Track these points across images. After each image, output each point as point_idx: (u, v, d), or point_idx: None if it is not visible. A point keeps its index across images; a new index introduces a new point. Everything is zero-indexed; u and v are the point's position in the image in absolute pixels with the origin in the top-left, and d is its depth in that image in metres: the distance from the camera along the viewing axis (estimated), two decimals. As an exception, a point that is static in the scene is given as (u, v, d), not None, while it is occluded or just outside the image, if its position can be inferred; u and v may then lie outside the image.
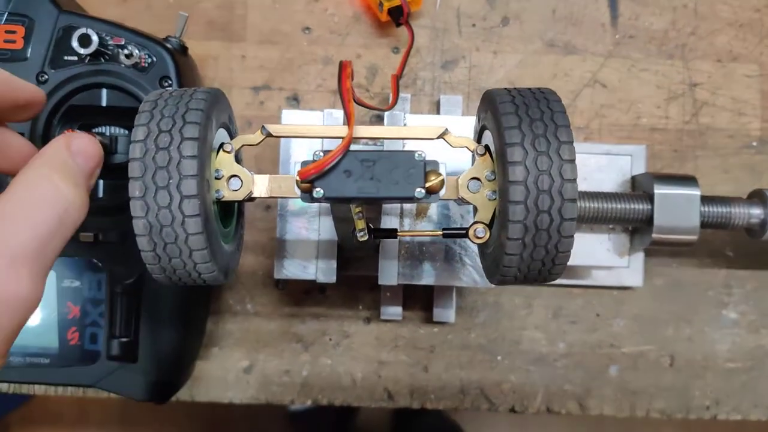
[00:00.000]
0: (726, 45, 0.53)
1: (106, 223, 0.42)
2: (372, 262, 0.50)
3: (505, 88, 0.28)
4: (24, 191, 0.26)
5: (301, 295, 0.52)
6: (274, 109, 0.52)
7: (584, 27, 0.53)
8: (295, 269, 0.43)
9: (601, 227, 0.47)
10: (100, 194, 0.42)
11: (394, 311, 0.50)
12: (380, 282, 0.43)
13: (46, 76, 0.41)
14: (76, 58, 0.41)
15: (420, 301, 0.51)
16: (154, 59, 0.41)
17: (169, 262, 0.28)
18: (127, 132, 0.42)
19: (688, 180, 0.44)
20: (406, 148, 0.29)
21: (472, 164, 0.30)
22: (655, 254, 0.51)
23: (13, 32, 0.41)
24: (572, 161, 0.26)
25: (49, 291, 0.43)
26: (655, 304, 0.52)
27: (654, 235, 0.43)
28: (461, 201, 0.30)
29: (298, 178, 0.27)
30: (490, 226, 0.30)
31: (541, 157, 0.26)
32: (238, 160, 0.31)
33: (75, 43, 0.40)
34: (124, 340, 0.42)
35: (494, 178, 0.29)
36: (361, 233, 0.29)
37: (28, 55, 0.41)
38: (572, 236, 0.28)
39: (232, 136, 0.33)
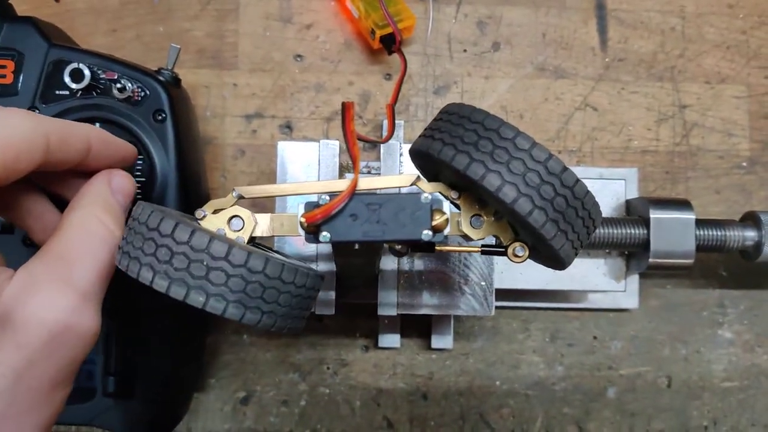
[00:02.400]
0: (714, 67, 0.53)
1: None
2: (370, 289, 0.49)
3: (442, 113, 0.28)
4: (79, 231, 0.28)
5: (297, 324, 0.51)
6: (267, 137, 0.52)
7: (574, 51, 0.53)
8: (293, 301, 0.42)
9: (597, 252, 0.47)
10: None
11: (392, 339, 0.50)
12: (380, 312, 0.42)
13: (38, 111, 0.40)
14: (67, 92, 0.40)
15: (418, 327, 0.51)
16: (148, 92, 0.41)
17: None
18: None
19: (683, 204, 0.44)
20: (409, 190, 0.28)
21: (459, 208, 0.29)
22: (649, 275, 0.51)
23: (3, 67, 0.40)
24: (534, 145, 0.25)
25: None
26: (651, 325, 0.52)
27: (651, 260, 0.43)
28: (466, 238, 0.30)
29: (303, 220, 0.27)
30: (515, 239, 0.29)
31: (513, 162, 0.25)
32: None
33: (67, 78, 0.39)
34: (120, 375, 0.41)
35: (487, 206, 0.29)
36: (397, 247, 0.29)
37: (19, 89, 0.40)
38: (586, 188, 0.27)
39: None
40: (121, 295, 0.40)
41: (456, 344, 0.51)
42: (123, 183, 0.31)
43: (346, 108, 0.27)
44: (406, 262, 0.43)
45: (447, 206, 0.28)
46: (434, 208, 0.27)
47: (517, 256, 0.29)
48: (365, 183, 0.27)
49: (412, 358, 0.51)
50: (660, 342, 0.52)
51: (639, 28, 0.54)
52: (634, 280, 0.50)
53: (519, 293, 0.49)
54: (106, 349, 0.41)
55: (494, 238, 0.30)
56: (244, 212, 0.29)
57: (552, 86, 0.53)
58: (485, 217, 0.29)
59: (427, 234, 0.25)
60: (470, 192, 0.29)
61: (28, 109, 0.40)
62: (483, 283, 0.43)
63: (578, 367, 0.52)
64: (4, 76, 0.40)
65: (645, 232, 0.43)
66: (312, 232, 0.27)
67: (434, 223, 0.27)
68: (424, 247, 0.30)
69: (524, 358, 0.52)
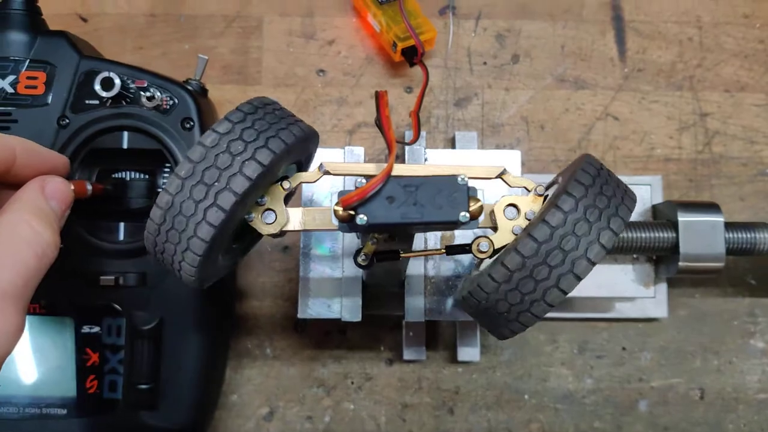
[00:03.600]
0: (733, 75, 0.54)
1: (126, 267, 0.41)
2: (394, 300, 0.49)
3: (600, 164, 0.28)
4: (5, 234, 0.28)
5: (322, 337, 0.51)
6: (290, 150, 0.52)
7: (593, 62, 0.54)
8: (319, 308, 0.42)
9: (624, 257, 0.46)
10: (121, 237, 0.41)
11: (417, 352, 0.49)
12: (407, 319, 0.42)
13: (67, 120, 0.41)
14: (97, 101, 0.41)
15: (443, 340, 0.50)
16: (176, 101, 0.41)
17: (165, 243, 0.27)
18: (146, 176, 0.42)
19: (711, 207, 0.44)
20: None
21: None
22: (677, 284, 0.50)
23: (35, 78, 0.41)
24: (605, 248, 0.26)
25: (67, 338, 0.41)
26: (680, 335, 0.51)
27: (681, 264, 0.43)
28: (493, 229, 0.29)
29: (337, 208, 0.26)
30: (497, 251, 0.29)
31: (582, 223, 0.26)
32: (289, 195, 0.31)
33: (97, 87, 0.40)
34: (144, 386, 0.41)
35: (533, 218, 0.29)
36: (363, 257, 0.29)
37: (49, 100, 0.41)
38: (551, 307, 0.28)
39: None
40: (146, 306, 0.40)
41: (482, 357, 0.50)
42: (57, 188, 0.32)
43: (380, 96, 0.27)
44: (432, 268, 0.42)
45: (481, 195, 0.28)
46: (470, 195, 0.27)
47: (481, 251, 0.28)
48: (446, 170, 0.26)
49: (438, 372, 0.50)
50: (691, 353, 0.51)
51: (657, 39, 0.54)
52: (662, 288, 0.49)
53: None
54: (131, 359, 0.41)
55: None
56: (279, 207, 0.29)
57: (572, 97, 0.53)
58: (521, 215, 0.29)
59: (464, 216, 0.25)
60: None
61: (58, 119, 0.41)
62: (511, 288, 0.42)
63: (608, 379, 0.50)
64: (35, 87, 0.41)
65: (674, 235, 0.43)
66: (347, 220, 0.27)
67: (470, 209, 0.27)
68: (389, 255, 0.30)
69: (552, 371, 0.51)
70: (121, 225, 0.41)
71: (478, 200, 0.27)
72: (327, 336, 0.51)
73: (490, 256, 0.29)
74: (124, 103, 0.41)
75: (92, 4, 0.53)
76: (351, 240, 0.42)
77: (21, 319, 0.27)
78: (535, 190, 0.29)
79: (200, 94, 0.43)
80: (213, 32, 0.53)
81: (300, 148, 0.29)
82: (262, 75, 0.53)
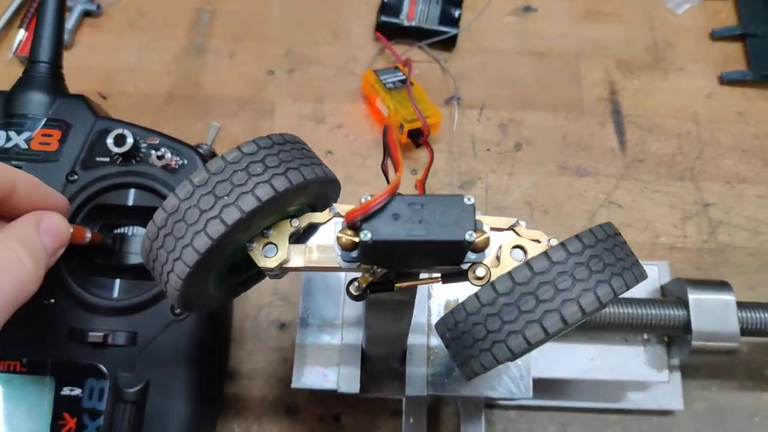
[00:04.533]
0: (732, 168, 0.55)
1: (116, 324, 0.39)
2: (393, 381, 0.46)
3: (616, 231, 0.28)
4: None
5: (315, 423, 0.48)
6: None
7: (594, 151, 0.55)
8: (315, 378, 0.40)
9: (635, 339, 0.45)
10: (115, 294, 0.40)
11: (417, 439, 0.46)
12: (407, 393, 0.39)
13: (76, 176, 0.41)
14: (107, 159, 0.42)
15: (446, 430, 0.47)
16: (185, 161, 0.42)
17: (159, 249, 0.26)
18: (148, 233, 0.42)
19: (722, 285, 0.43)
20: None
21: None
22: (691, 375, 0.48)
23: (50, 135, 0.42)
24: (599, 301, 0.24)
25: (44, 401, 0.39)
26: (699, 432, 0.48)
27: (694, 343, 0.41)
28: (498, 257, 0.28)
29: (340, 234, 0.26)
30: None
31: (583, 268, 0.25)
32: (296, 235, 0.30)
33: (110, 142, 0.41)
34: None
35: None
36: (356, 286, 0.27)
37: (61, 156, 0.42)
38: (528, 346, 0.26)
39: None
40: (133, 367, 0.38)
41: (487, 449, 0.47)
42: (53, 224, 0.31)
43: (387, 130, 0.28)
44: (435, 338, 0.40)
45: (487, 228, 0.27)
46: (477, 227, 0.26)
47: (477, 277, 0.27)
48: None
49: (440, 464, 0.47)
50: (711, 451, 0.47)
51: (655, 132, 0.56)
52: (677, 378, 0.47)
53: (555, 386, 0.46)
54: (110, 426, 0.38)
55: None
56: (283, 243, 0.29)
57: (575, 184, 0.54)
58: (526, 254, 0.28)
59: (470, 235, 0.24)
60: None
61: (67, 174, 0.41)
62: (519, 363, 0.40)
63: (623, 478, 0.47)
64: (48, 144, 0.42)
65: (685, 313, 0.42)
66: (349, 247, 0.26)
67: (477, 239, 0.26)
68: (383, 286, 0.29)
69: (563, 467, 0.47)
70: (117, 282, 0.40)
71: (485, 232, 0.27)
72: (320, 422, 0.48)
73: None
74: (134, 161, 0.42)
75: (114, 84, 0.56)
76: (353, 305, 0.41)
77: None
78: (548, 242, 0.29)
79: (210, 157, 0.44)
80: (227, 112, 0.55)
81: (318, 191, 0.29)
82: (271, 153, 0.54)
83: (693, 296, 0.42)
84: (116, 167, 0.42)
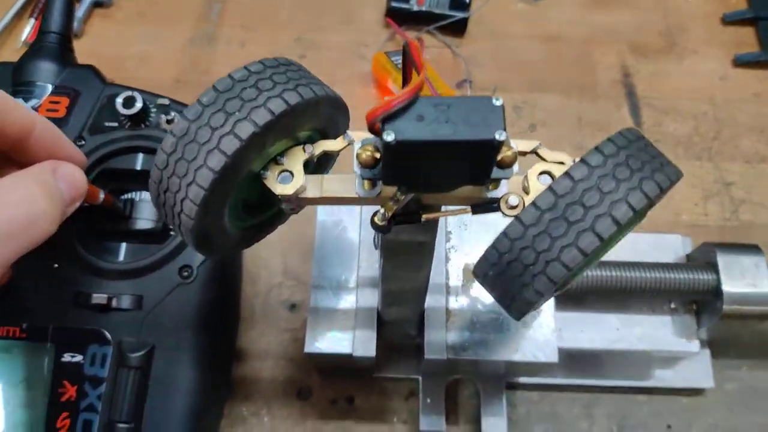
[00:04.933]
0: (751, 148, 0.54)
1: (122, 288, 0.38)
2: (408, 362, 0.45)
3: (640, 134, 0.26)
4: (3, 190, 0.27)
5: (327, 406, 0.45)
6: (304, 207, 0.51)
7: (612, 131, 0.54)
8: (329, 342, 0.38)
9: (662, 308, 0.43)
10: (121, 257, 0.39)
11: (436, 421, 0.43)
12: (426, 355, 0.37)
13: (84, 141, 0.40)
14: (116, 124, 0.41)
15: (464, 412, 0.45)
16: (195, 125, 0.41)
17: (170, 177, 0.24)
18: (156, 198, 0.40)
19: (751, 248, 0.41)
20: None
21: None
22: (721, 354, 0.46)
23: (57, 102, 0.41)
24: (633, 211, 0.22)
25: (43, 368, 0.37)
26: (732, 413, 0.45)
27: (725, 307, 0.39)
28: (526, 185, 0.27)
29: (360, 151, 0.25)
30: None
31: (591, 193, 0.23)
32: (310, 164, 0.29)
33: (119, 102, 0.40)
34: (124, 425, 0.35)
35: None
36: (381, 215, 0.26)
37: (69, 123, 0.41)
38: (585, 258, 0.24)
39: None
40: (138, 331, 0.37)
41: (509, 433, 0.44)
42: (70, 174, 0.30)
43: (409, 43, 0.27)
44: (455, 300, 0.39)
45: (514, 146, 0.26)
46: (503, 141, 0.25)
47: (510, 206, 0.26)
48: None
49: (459, 448, 0.44)
50: (746, 434, 0.45)
51: (671, 113, 0.55)
52: (706, 355, 0.45)
53: (579, 361, 0.44)
54: (113, 393, 0.36)
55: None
56: (298, 169, 0.27)
57: (591, 163, 0.53)
58: (554, 179, 0.27)
59: (500, 134, 0.23)
60: None
61: (74, 139, 0.40)
62: (543, 326, 0.38)
63: (654, 463, 0.44)
64: (56, 111, 0.41)
65: (714, 276, 0.40)
66: (371, 164, 0.25)
67: (501, 156, 0.25)
68: (410, 217, 0.27)
69: (589, 451, 0.44)
70: (123, 245, 0.39)
71: (512, 147, 0.25)
72: (333, 405, 0.46)
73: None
74: (143, 126, 0.41)
75: (123, 71, 0.56)
76: (368, 266, 0.39)
77: None
78: (574, 162, 0.28)
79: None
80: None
81: (328, 113, 0.28)
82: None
83: (722, 258, 0.40)
84: (125, 131, 0.41)
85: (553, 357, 0.37)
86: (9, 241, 0.26)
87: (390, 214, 0.26)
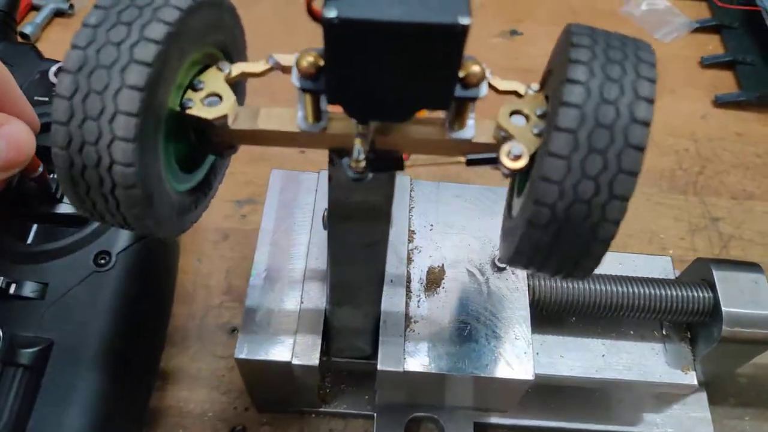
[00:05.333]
0: (737, 184, 0.51)
1: (25, 273, 0.32)
2: (360, 393, 0.39)
3: (589, 27, 0.24)
4: None
5: (264, 445, 0.38)
6: (257, 222, 0.46)
7: (589, 162, 0.51)
8: (264, 347, 0.32)
9: (653, 334, 0.37)
10: (30, 239, 0.33)
11: (390, 461, 0.37)
12: (380, 366, 0.31)
13: (6, 115, 0.36)
14: (47, 98, 0.37)
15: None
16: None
17: (82, 123, 0.19)
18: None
19: (750, 265, 0.37)
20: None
21: None
22: (720, 402, 0.40)
23: (-15, 74, 0.37)
24: (650, 101, 0.20)
25: None
26: (735, 469, 0.39)
27: (725, 328, 0.34)
28: (503, 132, 0.23)
29: (301, 59, 0.21)
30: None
31: (611, 84, 0.20)
32: (234, 87, 0.24)
33: (52, 72, 0.36)
34: (4, 434, 0.29)
35: (544, 114, 0.23)
36: (357, 150, 0.22)
37: (-5, 96, 0.36)
38: (627, 200, 0.21)
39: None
40: (36, 324, 0.31)
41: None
42: (16, 132, 0.26)
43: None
44: (416, 306, 0.33)
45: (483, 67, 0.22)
46: (467, 59, 0.21)
47: (513, 156, 0.22)
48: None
49: (417, 499, 0.37)
50: (753, 493, 0.38)
51: (651, 148, 0.52)
52: (703, 399, 0.39)
53: (556, 396, 0.38)
54: (-5, 397, 0.29)
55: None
56: (224, 90, 0.23)
57: (570, 192, 0.49)
58: (531, 119, 0.23)
59: (464, 20, 0.19)
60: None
61: (-3, 113, 0.36)
62: (518, 338, 0.33)
63: None
64: (-18, 84, 0.37)
65: (710, 294, 0.35)
66: (310, 74, 0.21)
67: (466, 72, 0.21)
68: (391, 164, 0.23)
69: (572, 508, 0.37)
70: (34, 227, 0.34)
71: (479, 64, 0.22)
72: (272, 445, 0.39)
73: (524, 170, 0.22)
74: (76, 101, 0.37)
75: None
76: (319, 253, 0.34)
77: None
78: (529, 88, 0.24)
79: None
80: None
81: (231, 24, 0.24)
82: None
83: (719, 274, 0.35)
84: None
85: (529, 373, 0.32)
86: None
87: (365, 151, 0.22)
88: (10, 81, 0.27)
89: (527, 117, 0.23)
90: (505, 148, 0.22)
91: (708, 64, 0.57)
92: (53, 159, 0.20)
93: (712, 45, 0.59)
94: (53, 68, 0.36)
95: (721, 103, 0.55)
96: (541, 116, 0.23)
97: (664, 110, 0.55)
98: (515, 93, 0.24)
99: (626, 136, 0.20)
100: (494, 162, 0.23)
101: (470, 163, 0.23)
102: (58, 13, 0.56)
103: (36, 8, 0.55)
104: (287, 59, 0.23)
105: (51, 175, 0.34)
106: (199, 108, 0.23)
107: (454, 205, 0.37)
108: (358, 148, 0.22)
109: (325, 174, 0.37)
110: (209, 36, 0.23)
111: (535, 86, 0.24)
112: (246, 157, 0.48)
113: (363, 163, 0.22)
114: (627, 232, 0.48)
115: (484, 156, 0.23)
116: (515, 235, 0.22)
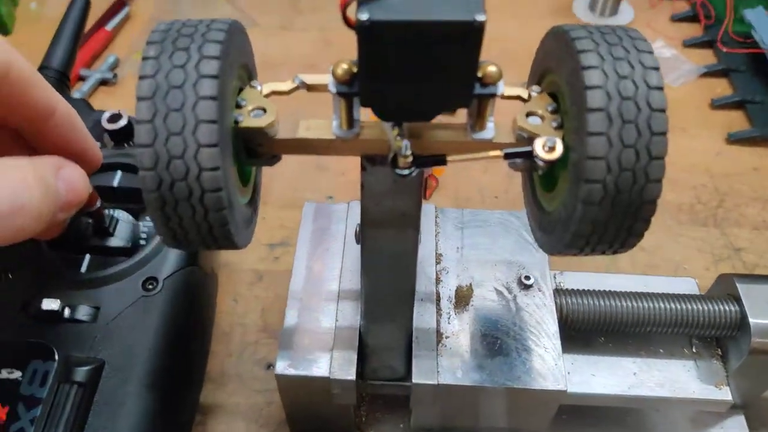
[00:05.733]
0: (757, 216, 0.52)
1: (79, 298, 0.34)
2: (396, 416, 0.39)
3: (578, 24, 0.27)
4: None
5: (301, 476, 0.39)
6: (289, 263, 0.48)
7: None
8: (303, 364, 0.33)
9: (683, 352, 0.38)
10: (83, 268, 0.36)
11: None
12: (415, 380, 0.32)
13: (63, 160, 0.39)
14: (100, 144, 0.40)
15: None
16: (179, 147, 0.40)
17: (167, 138, 0.22)
18: (130, 217, 0.38)
19: (773, 279, 0.37)
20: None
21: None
22: (759, 427, 0.40)
23: (44, 126, 0.41)
24: (657, 69, 0.23)
25: (-26, 386, 0.32)
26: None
27: (754, 339, 0.35)
28: (524, 133, 0.25)
29: (335, 68, 0.23)
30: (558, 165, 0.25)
31: (620, 62, 0.23)
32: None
33: (105, 119, 0.39)
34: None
35: (557, 110, 0.25)
36: (406, 150, 0.24)
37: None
38: (663, 158, 0.23)
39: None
40: (89, 346, 0.33)
41: None
42: (72, 176, 0.27)
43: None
44: (446, 322, 0.35)
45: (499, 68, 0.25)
46: (483, 62, 0.24)
47: (548, 149, 0.24)
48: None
49: None
50: None
51: (669, 184, 0.53)
52: (741, 424, 0.39)
53: (591, 417, 0.38)
54: (50, 413, 0.31)
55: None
56: (266, 103, 0.26)
57: (592, 227, 0.51)
58: (545, 116, 0.25)
59: (480, 15, 0.22)
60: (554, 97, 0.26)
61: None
62: (548, 350, 0.34)
63: None
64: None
65: (736, 308, 0.36)
66: (345, 79, 0.23)
67: (484, 73, 0.24)
68: (432, 160, 0.25)
69: None
70: (87, 258, 0.36)
71: (496, 65, 0.24)
72: (308, 477, 0.39)
73: (560, 159, 0.24)
74: (125, 146, 0.40)
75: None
76: (351, 275, 0.36)
77: None
78: (531, 90, 0.26)
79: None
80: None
81: (248, 49, 0.27)
82: (270, 197, 0.52)
83: (744, 287, 0.36)
84: (108, 151, 0.40)
85: (561, 384, 0.32)
86: None
87: (409, 150, 0.24)
88: (78, 120, 0.30)
89: (542, 117, 0.26)
90: (540, 141, 0.24)
91: (718, 105, 0.59)
92: (141, 182, 0.22)
93: (721, 87, 0.61)
94: (105, 115, 0.40)
95: (734, 140, 0.56)
96: (553, 112, 0.25)
97: (680, 149, 0.56)
98: (519, 97, 0.27)
99: (649, 103, 0.22)
100: (529, 155, 0.24)
101: (507, 156, 0.25)
102: (103, 82, 0.61)
103: (83, 78, 0.60)
104: (311, 78, 0.26)
105: (105, 210, 0.37)
106: (249, 120, 0.25)
107: (478, 229, 0.39)
108: (406, 143, 0.24)
109: (354, 204, 0.40)
110: (240, 58, 0.26)
111: (537, 88, 0.27)
112: (278, 203, 0.52)
113: (410, 158, 0.24)
114: (652, 262, 0.49)
115: (520, 150, 0.25)
116: (568, 220, 0.23)
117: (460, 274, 0.37)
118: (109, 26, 0.65)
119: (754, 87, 0.59)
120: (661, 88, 0.22)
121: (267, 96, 0.27)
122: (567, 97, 0.24)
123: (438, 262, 0.37)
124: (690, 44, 0.65)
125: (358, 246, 0.31)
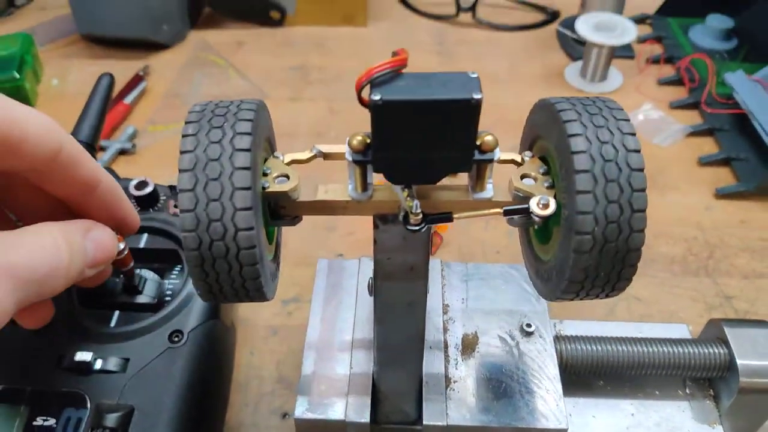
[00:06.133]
0: (747, 265, 0.54)
1: (109, 351, 0.37)
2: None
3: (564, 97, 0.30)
4: (32, 235, 0.26)
5: None
6: (303, 318, 0.51)
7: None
8: (320, 408, 0.35)
9: (677, 393, 0.40)
10: (113, 323, 0.38)
11: None
12: (425, 421, 0.34)
13: (95, 223, 0.42)
14: (128, 208, 0.43)
15: None
16: (202, 210, 0.43)
17: (207, 205, 0.25)
18: (156, 276, 0.41)
19: (759, 322, 0.40)
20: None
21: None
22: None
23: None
24: (633, 134, 0.26)
25: (11, 434, 0.34)
26: None
27: (742, 380, 0.37)
28: (519, 192, 0.28)
29: (351, 139, 0.27)
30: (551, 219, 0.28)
31: (601, 129, 0.26)
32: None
33: (132, 186, 0.43)
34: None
35: (547, 172, 0.29)
36: (414, 205, 0.27)
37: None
38: (644, 211, 0.26)
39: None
40: (119, 394, 0.35)
41: None
42: (100, 237, 0.29)
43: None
44: (454, 368, 0.37)
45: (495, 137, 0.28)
46: (482, 132, 0.27)
47: (542, 206, 0.27)
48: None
49: None
50: None
51: (661, 237, 0.57)
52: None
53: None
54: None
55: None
56: (288, 170, 0.29)
57: (589, 279, 0.53)
58: (537, 178, 0.29)
59: (477, 94, 0.25)
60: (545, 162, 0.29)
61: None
62: (550, 392, 0.36)
63: None
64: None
65: (725, 350, 0.38)
66: (359, 149, 0.26)
67: (481, 141, 0.27)
68: (440, 217, 0.28)
69: None
70: (116, 313, 0.39)
71: (492, 134, 0.27)
72: None
73: (552, 216, 0.27)
74: (151, 210, 0.43)
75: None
76: (364, 326, 0.38)
77: (8, 305, 0.24)
78: (524, 155, 0.29)
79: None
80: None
81: (261, 120, 0.29)
82: (284, 255, 0.55)
83: (731, 331, 0.39)
84: (135, 214, 0.43)
85: (563, 423, 0.34)
86: (27, 288, 0.25)
87: (419, 209, 0.27)
88: (120, 191, 0.31)
89: (534, 178, 0.29)
90: (534, 199, 0.27)
91: (706, 162, 0.63)
92: (183, 242, 0.25)
93: (707, 146, 0.65)
94: (132, 183, 0.43)
95: (722, 194, 0.60)
96: (544, 174, 0.28)
97: (670, 205, 0.60)
98: (514, 161, 0.30)
99: (628, 164, 0.25)
100: (526, 212, 0.28)
101: (506, 213, 0.28)
102: (122, 152, 0.65)
103: (103, 148, 0.64)
104: (327, 148, 0.30)
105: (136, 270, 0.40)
106: (274, 186, 0.29)
107: (482, 281, 0.41)
108: (417, 203, 0.27)
109: (365, 260, 0.43)
110: (265, 132, 0.29)
111: (529, 153, 0.30)
112: (291, 261, 0.54)
113: (420, 216, 0.27)
114: (648, 312, 0.51)
115: (518, 207, 0.28)
116: (563, 268, 0.26)
117: (465, 323, 0.39)
118: (128, 99, 0.70)
119: (739, 145, 0.63)
120: (638, 151, 0.25)
121: (288, 164, 0.30)
122: (556, 161, 0.27)
123: (445, 313, 0.40)
124: (676, 106, 0.69)
125: (370, 298, 0.33)
